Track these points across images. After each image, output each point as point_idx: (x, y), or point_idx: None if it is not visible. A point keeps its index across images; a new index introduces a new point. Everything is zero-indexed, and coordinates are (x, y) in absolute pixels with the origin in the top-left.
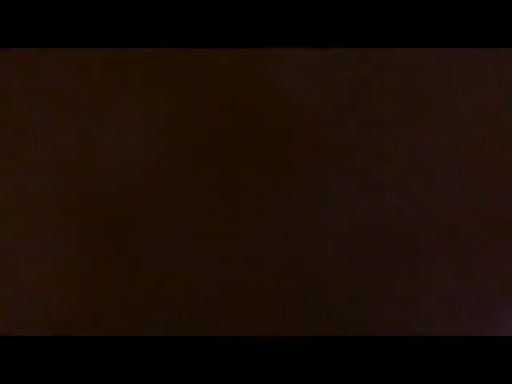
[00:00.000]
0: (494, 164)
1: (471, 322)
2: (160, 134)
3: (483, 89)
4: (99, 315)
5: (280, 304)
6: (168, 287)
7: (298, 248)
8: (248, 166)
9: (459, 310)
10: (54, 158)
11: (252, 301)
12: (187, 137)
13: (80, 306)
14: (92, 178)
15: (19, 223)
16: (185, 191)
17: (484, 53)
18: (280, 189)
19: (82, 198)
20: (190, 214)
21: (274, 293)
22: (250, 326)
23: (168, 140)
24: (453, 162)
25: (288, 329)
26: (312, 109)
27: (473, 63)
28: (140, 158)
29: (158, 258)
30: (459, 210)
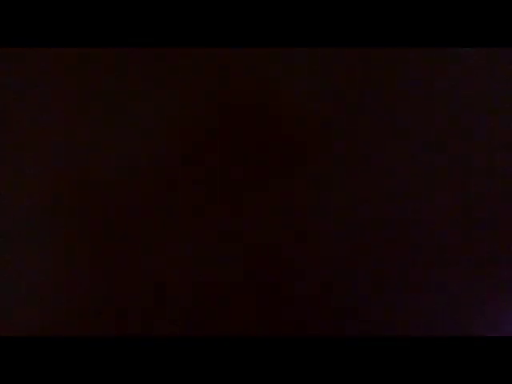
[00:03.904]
0: (494, 164)
1: (471, 321)
2: (160, 133)
3: (483, 89)
4: (98, 316)
5: (280, 304)
6: (168, 287)
7: (298, 248)
8: (248, 166)
9: (459, 310)
10: (54, 157)
11: (252, 301)
12: (187, 136)
13: (79, 307)
14: (92, 178)
15: (18, 223)
16: (184, 191)
17: (484, 53)
18: (280, 188)
19: (81, 197)
20: (190, 214)
21: (274, 293)
22: (250, 326)
23: (168, 140)
24: (453, 162)
25: (288, 329)
26: (312, 109)
27: (472, 63)
28: (140, 158)
29: (157, 258)
30: (459, 210)
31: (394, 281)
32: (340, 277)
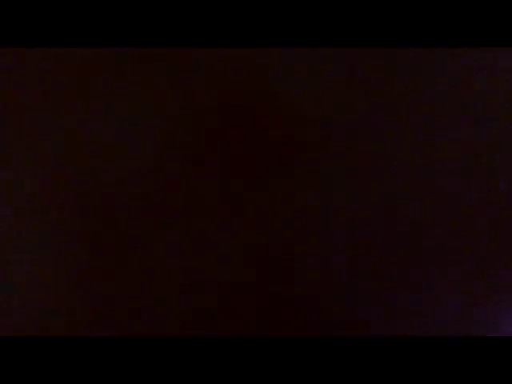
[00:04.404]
0: (494, 164)
1: (471, 321)
2: (160, 133)
3: (483, 89)
4: (98, 316)
5: (280, 304)
6: (168, 287)
7: (298, 248)
8: (248, 166)
9: (459, 310)
10: (54, 157)
11: (252, 301)
12: (187, 137)
13: (79, 307)
14: (92, 178)
15: (18, 223)
16: (184, 191)
17: (484, 53)
18: (280, 189)
19: (81, 197)
20: (189, 214)
21: (274, 293)
22: (249, 326)
23: (168, 140)
24: (453, 162)
25: (288, 329)
26: (312, 109)
27: (472, 63)
28: (140, 158)
29: (157, 259)
30: (459, 210)
31: (393, 281)
32: (340, 277)
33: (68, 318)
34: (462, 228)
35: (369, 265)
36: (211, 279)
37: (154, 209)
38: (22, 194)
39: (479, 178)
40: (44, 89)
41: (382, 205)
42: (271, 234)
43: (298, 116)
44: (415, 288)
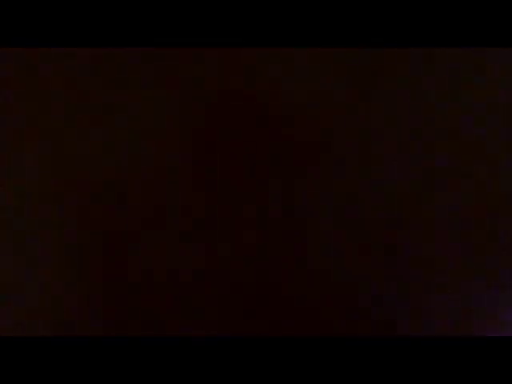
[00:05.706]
0: (493, 164)
1: (471, 322)
2: (160, 133)
3: (483, 89)
4: (99, 315)
5: (280, 304)
6: (167, 287)
7: (298, 248)
8: (248, 166)
9: (459, 310)
10: (54, 157)
11: (252, 301)
12: (187, 136)
13: (80, 306)
14: (92, 178)
15: (19, 223)
16: (184, 191)
17: (484, 53)
18: (280, 188)
19: (81, 198)
20: (189, 214)
21: (275, 293)
22: (249, 326)
23: (168, 140)
24: (453, 162)
25: (288, 329)
26: (312, 109)
27: (473, 63)
28: (139, 158)
29: (157, 259)
30: (459, 210)
31: (394, 281)
32: (340, 277)
33: (68, 318)
34: (462, 228)
35: (369, 265)
36: (211, 279)
37: (154, 209)
38: (22, 195)
39: (479, 178)
40: (44, 89)
41: (382, 205)
42: (271, 234)
43: (298, 116)
44: (415, 288)
